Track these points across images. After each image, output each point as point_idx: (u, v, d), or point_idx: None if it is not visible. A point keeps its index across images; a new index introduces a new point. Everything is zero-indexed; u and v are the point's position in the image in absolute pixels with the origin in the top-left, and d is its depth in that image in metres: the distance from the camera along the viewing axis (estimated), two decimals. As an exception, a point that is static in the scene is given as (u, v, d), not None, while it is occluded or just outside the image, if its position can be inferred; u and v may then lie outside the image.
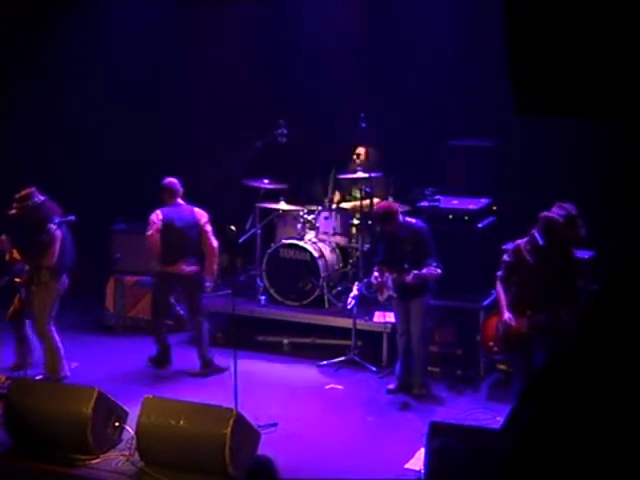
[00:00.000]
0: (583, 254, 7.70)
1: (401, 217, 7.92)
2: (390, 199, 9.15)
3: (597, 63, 2.30)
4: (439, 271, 7.63)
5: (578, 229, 6.89)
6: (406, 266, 7.75)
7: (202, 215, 8.60)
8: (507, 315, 7.07)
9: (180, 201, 8.59)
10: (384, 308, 8.62)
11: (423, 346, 8.05)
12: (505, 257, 7.24)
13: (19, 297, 8.29)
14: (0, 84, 10.60)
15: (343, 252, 9.65)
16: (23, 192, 8.05)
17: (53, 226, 8.00)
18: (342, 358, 8.84)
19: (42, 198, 8.10)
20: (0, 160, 10.71)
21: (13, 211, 8.04)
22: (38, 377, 8.17)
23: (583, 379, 2.33)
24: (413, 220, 7.97)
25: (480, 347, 8.08)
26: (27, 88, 10.76)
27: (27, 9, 10.70)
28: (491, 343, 7.40)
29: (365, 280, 8.69)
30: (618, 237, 7.03)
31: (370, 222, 9.25)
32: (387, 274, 7.95)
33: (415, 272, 7.71)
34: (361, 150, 9.67)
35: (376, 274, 8.05)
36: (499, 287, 7.21)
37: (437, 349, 8.61)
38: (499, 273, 7.23)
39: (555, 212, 6.89)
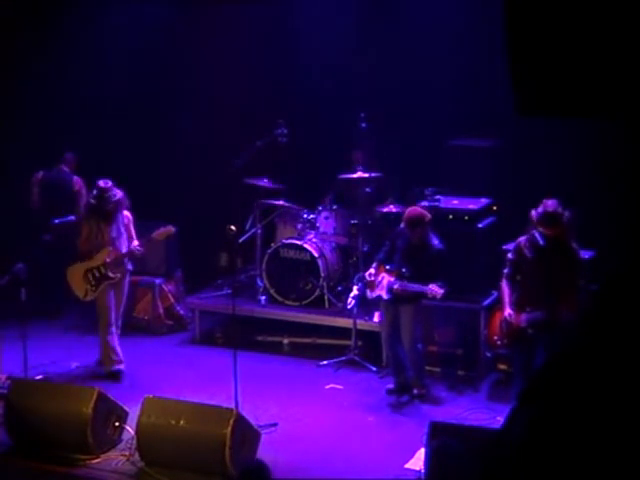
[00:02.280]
0: (583, 254, 7.69)
1: (428, 229, 7.83)
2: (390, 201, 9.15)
3: (598, 63, 2.30)
4: (440, 291, 7.45)
5: (554, 224, 6.87)
6: (406, 273, 7.75)
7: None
8: (507, 311, 7.17)
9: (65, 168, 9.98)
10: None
11: (414, 349, 8.00)
12: (509, 255, 7.31)
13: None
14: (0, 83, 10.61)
15: (343, 252, 9.65)
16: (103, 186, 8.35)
17: (126, 212, 8.45)
18: (342, 358, 8.85)
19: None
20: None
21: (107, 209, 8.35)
22: (38, 377, 8.17)
23: (584, 379, 2.32)
24: (436, 240, 7.84)
25: (486, 342, 8.12)
26: (26, 87, 10.76)
27: (27, 9, 10.70)
28: (495, 337, 7.46)
29: (360, 273, 8.67)
30: (618, 237, 7.02)
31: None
32: (384, 274, 7.95)
33: (403, 283, 7.72)
34: (359, 155, 9.62)
35: (372, 271, 8.05)
36: (504, 284, 7.27)
37: (437, 349, 8.61)
38: (505, 271, 7.29)
39: (538, 209, 6.95)
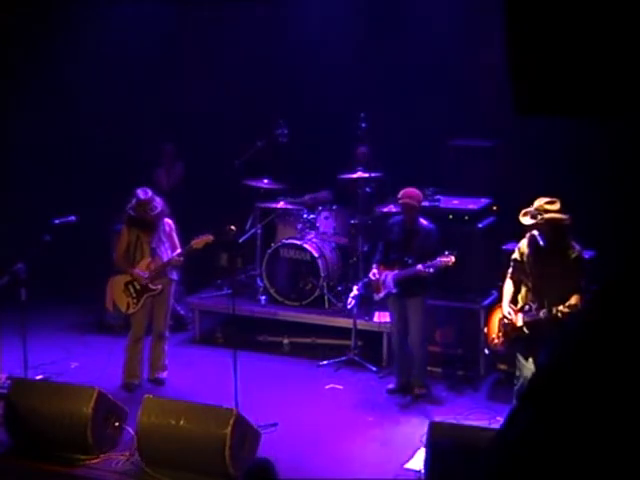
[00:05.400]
0: (583, 254, 7.68)
1: (418, 213, 7.95)
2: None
3: (598, 62, 2.29)
4: (451, 257, 7.55)
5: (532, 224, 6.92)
6: (409, 261, 7.77)
7: None
8: (505, 310, 7.16)
9: None
10: (384, 308, 8.61)
11: (422, 346, 8.04)
12: (513, 256, 7.33)
13: None
14: (1, 81, 10.61)
15: (343, 252, 9.65)
16: (143, 197, 7.98)
17: (168, 219, 8.17)
18: (342, 358, 8.85)
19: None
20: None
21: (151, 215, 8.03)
22: (38, 377, 8.17)
23: (584, 380, 2.32)
24: (425, 222, 7.95)
25: (485, 341, 8.12)
26: (25, 87, 10.77)
27: (28, 8, 10.71)
28: (493, 336, 7.45)
29: (364, 278, 8.67)
30: (618, 237, 7.02)
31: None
32: (386, 272, 7.95)
33: (410, 269, 7.73)
34: (363, 150, 9.63)
35: (374, 271, 8.05)
36: (506, 284, 7.27)
37: (438, 349, 8.61)
38: (509, 270, 7.30)
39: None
